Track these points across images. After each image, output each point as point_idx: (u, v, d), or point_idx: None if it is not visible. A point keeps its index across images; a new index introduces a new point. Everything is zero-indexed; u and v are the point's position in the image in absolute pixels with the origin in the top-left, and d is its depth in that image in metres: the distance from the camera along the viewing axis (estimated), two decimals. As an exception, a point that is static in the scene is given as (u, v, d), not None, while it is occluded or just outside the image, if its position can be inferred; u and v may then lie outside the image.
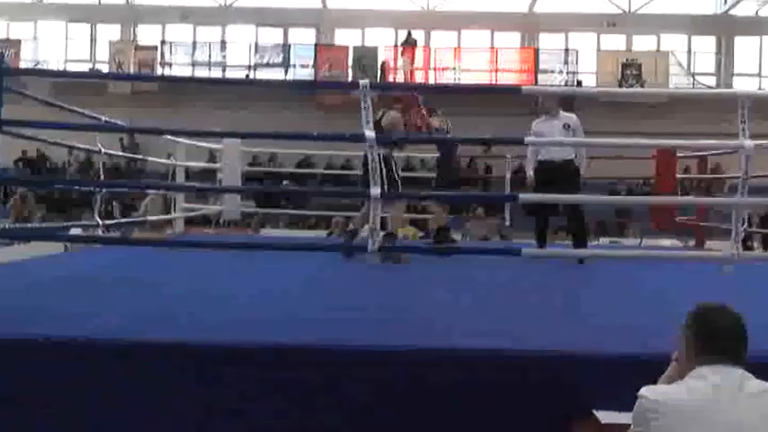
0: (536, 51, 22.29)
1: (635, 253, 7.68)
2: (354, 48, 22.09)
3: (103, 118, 6.54)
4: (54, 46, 22.72)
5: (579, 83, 21.66)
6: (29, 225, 11.06)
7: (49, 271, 5.70)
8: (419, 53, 21.78)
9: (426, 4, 23.21)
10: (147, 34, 23.11)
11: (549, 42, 22.71)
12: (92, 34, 23.21)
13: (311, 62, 21.95)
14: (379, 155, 6.77)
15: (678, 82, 21.82)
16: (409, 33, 21.66)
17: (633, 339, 3.40)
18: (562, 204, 6.96)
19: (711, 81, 22.59)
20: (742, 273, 4.88)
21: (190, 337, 3.22)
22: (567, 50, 22.36)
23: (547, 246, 7.17)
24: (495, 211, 9.91)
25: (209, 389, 3.04)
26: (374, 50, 21.88)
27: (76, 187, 14.51)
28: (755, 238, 14.52)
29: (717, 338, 2.28)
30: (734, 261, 4.64)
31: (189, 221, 10.92)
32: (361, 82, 4.52)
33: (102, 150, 6.91)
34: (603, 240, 13.31)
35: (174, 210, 9.45)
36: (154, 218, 9.35)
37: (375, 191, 4.46)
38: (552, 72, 21.51)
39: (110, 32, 22.98)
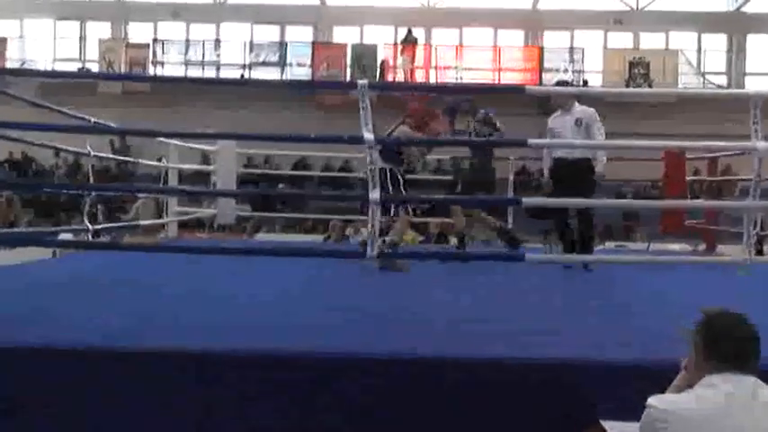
0: (540, 50, 22.31)
1: (642, 258, 7.68)
2: (353, 46, 22.10)
3: (93, 119, 6.55)
4: (42, 44, 22.72)
5: (585, 82, 21.67)
6: (15, 230, 11.05)
7: (38, 276, 5.71)
8: (420, 51, 21.82)
9: (427, 1, 23.24)
10: (139, 32, 23.13)
11: (554, 40, 22.73)
12: (81, 32, 23.22)
13: (308, 61, 21.96)
14: (386, 170, 6.89)
15: (687, 81, 21.80)
16: (409, 31, 21.71)
17: (639, 346, 3.41)
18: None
19: (722, 80, 22.60)
20: (754, 278, 4.89)
21: (189, 342, 3.26)
22: (572, 49, 22.37)
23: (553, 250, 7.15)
24: (498, 214, 9.89)
25: (209, 394, 3.08)
26: (373, 49, 21.91)
27: (65, 191, 14.52)
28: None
29: (728, 346, 2.28)
30: (746, 266, 4.65)
31: (182, 225, 10.91)
32: (360, 82, 4.52)
33: (92, 153, 6.91)
34: (609, 244, 13.30)
35: (167, 214, 9.45)
36: (146, 222, 9.35)
37: (374, 195, 4.46)
38: (557, 71, 21.50)
39: (100, 30, 22.99)
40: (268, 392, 3.08)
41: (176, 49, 22.49)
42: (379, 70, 21.34)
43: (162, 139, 8.93)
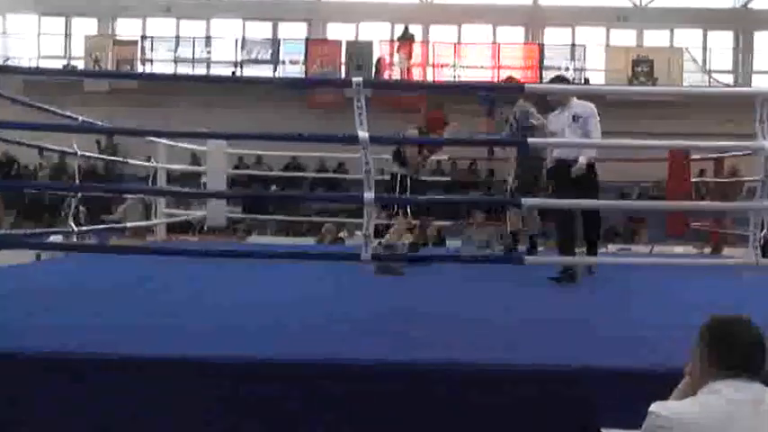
0: (541, 47, 22.30)
1: (647, 261, 7.69)
2: (348, 43, 22.08)
3: (80, 118, 6.54)
4: (25, 41, 22.68)
5: (587, 80, 21.69)
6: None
7: (21, 282, 5.70)
8: (417, 49, 21.83)
9: (424, -3, 23.26)
10: (127, 28, 23.09)
11: (555, 37, 22.74)
12: (66, 29, 23.18)
13: (302, 58, 21.94)
14: (395, 174, 7.03)
15: (693, 80, 21.80)
16: (406, 28, 21.71)
17: (642, 352, 3.41)
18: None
19: (729, 79, 22.62)
20: (761, 281, 4.90)
21: (174, 350, 3.25)
22: (573, 46, 22.37)
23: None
24: (498, 216, 9.92)
25: (195, 401, 3.06)
26: (369, 46, 21.90)
27: (49, 191, 14.50)
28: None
29: (733, 351, 2.29)
30: (753, 269, 4.66)
31: (171, 228, 10.91)
32: (354, 80, 4.53)
33: (78, 152, 6.91)
34: (612, 247, 13.31)
35: (155, 215, 9.45)
36: (133, 224, 9.35)
37: (369, 196, 4.47)
38: (558, 69, 21.43)
39: (86, 27, 22.96)
40: (255, 401, 3.08)
41: (165, 46, 22.45)
42: (374, 68, 21.34)
43: (150, 138, 8.93)
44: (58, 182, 17.67)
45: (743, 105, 5.54)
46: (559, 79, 7.64)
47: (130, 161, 10.25)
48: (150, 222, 9.54)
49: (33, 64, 22.14)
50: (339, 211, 15.00)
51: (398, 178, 7.11)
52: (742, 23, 22.91)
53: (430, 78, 21.42)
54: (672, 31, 22.90)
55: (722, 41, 23.05)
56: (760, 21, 22.75)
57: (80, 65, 21.90)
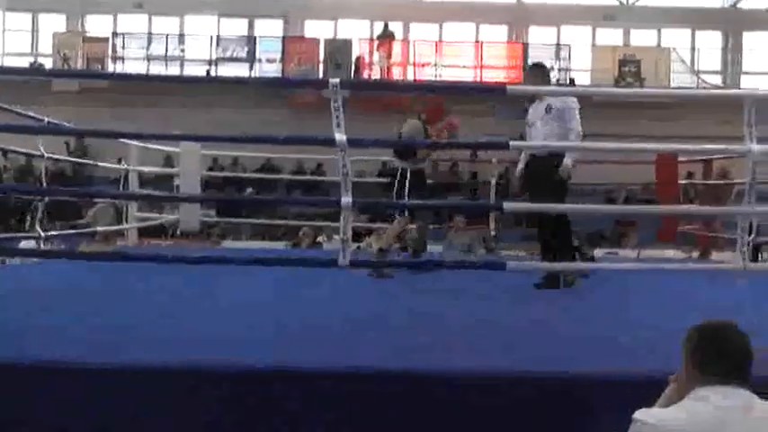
0: (525, 46, 22.38)
1: (634, 266, 7.73)
2: (326, 41, 22.08)
3: (47, 119, 6.51)
4: (-10, 38, 22.54)
5: (572, 81, 21.78)
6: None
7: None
8: (397, 47, 21.86)
9: (405, -6, 23.29)
10: (97, 25, 22.98)
11: (540, 36, 22.83)
12: (33, 25, 23.04)
13: (279, 56, 21.92)
14: (398, 168, 7.01)
15: (681, 81, 21.95)
16: (386, 26, 21.74)
17: (628, 357, 3.43)
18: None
19: (717, 80, 22.78)
20: (748, 286, 4.94)
21: (146, 357, 3.26)
22: (558, 45, 22.47)
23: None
24: (480, 220, 9.98)
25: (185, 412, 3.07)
26: (348, 44, 21.90)
27: (15, 195, 14.39)
28: (767, 249, 14.63)
29: (721, 357, 2.30)
30: (741, 273, 4.70)
31: (143, 232, 10.86)
32: (332, 80, 4.53)
33: (45, 155, 6.87)
34: (598, 252, 13.37)
35: (126, 219, 9.41)
36: (103, 228, 9.31)
37: (346, 200, 4.47)
38: (543, 69, 21.60)
39: (54, 23, 22.82)
40: (235, 408, 3.09)
41: (138, 44, 22.34)
42: (354, 67, 21.35)
43: (122, 140, 8.89)
44: (23, 184, 17.55)
45: (732, 107, 5.59)
46: (537, 66, 7.37)
47: (101, 163, 10.20)
48: (121, 226, 9.51)
49: (-2, 62, 22.01)
50: (316, 215, 14.99)
51: (402, 173, 7.08)
52: (731, 24, 23.08)
53: (411, 78, 21.47)
54: (659, 30, 23.04)
55: (711, 42, 23.21)
56: (749, 21, 22.92)
57: (48, 63, 21.75)
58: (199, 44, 22.29)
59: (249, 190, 18.08)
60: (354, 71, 21.16)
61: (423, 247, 7.60)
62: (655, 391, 2.49)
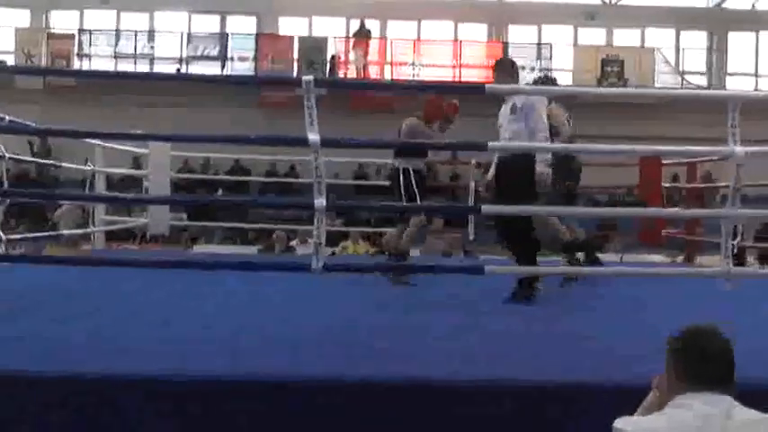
0: (505, 45, 22.46)
1: (616, 271, 7.75)
2: (301, 39, 22.05)
3: (7, 117, 6.46)
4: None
5: (553, 81, 21.81)
6: None
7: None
8: (374, 45, 21.87)
9: (382, -9, 23.31)
10: (63, 21, 22.83)
11: (520, 35, 22.92)
12: (-4, 20, 22.86)
13: (252, 54, 21.87)
14: (398, 168, 7.01)
15: (665, 81, 22.10)
16: (362, 23, 21.73)
17: (610, 365, 3.45)
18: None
19: (702, 80, 22.94)
20: (733, 291, 4.97)
21: (109, 366, 3.23)
22: (539, 45, 22.57)
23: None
24: (459, 223, 9.98)
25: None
26: (323, 42, 21.89)
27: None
28: (752, 252, 14.74)
29: (704, 364, 2.31)
30: (725, 278, 4.73)
31: (110, 236, 10.80)
32: (305, 78, 4.52)
33: (6, 155, 6.81)
34: (579, 255, 13.41)
35: (93, 223, 9.35)
36: (69, 232, 9.25)
37: (320, 202, 4.46)
38: (523, 69, 21.62)
39: (17, 18, 22.63)
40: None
41: (105, 41, 22.23)
42: (329, 66, 21.34)
43: (88, 140, 8.84)
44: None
45: (717, 108, 5.61)
46: (501, 63, 6.94)
47: (66, 164, 10.13)
48: (88, 230, 9.44)
49: (-42, 58, 21.79)
50: (289, 219, 14.95)
51: (404, 173, 7.08)
52: (716, 23, 23.27)
53: (388, 77, 21.49)
54: (643, 30, 23.19)
55: (695, 42, 23.38)
56: (734, 21, 23.12)
57: (10, 60, 21.55)
58: (169, 41, 22.21)
59: (220, 192, 18.06)
60: (330, 70, 21.15)
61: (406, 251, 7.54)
62: (636, 398, 2.50)
